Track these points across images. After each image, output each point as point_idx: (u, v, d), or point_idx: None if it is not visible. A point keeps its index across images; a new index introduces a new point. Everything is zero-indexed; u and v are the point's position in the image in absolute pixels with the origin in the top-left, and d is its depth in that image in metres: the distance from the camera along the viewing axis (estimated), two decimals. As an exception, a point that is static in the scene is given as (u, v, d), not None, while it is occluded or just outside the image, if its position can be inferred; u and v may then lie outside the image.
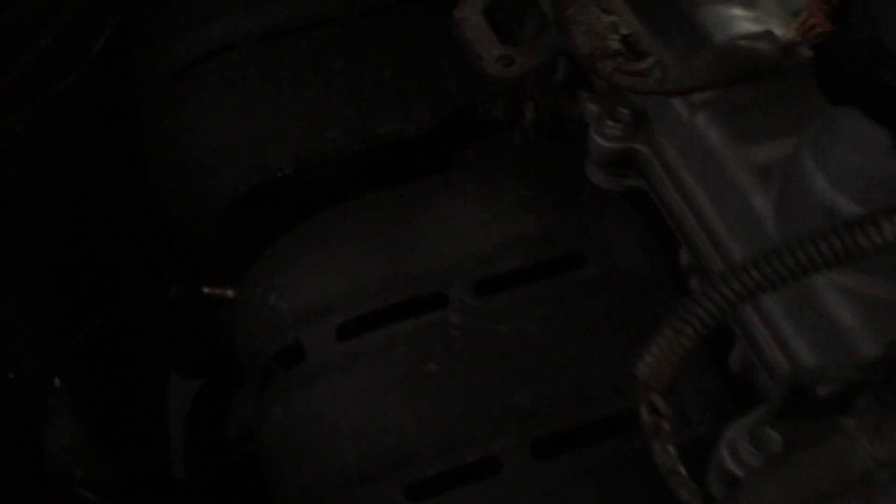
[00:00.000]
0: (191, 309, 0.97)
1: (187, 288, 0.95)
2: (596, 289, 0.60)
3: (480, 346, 0.57)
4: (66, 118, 1.00)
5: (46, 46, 0.98)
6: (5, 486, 0.76)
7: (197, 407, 1.02)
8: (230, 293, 0.94)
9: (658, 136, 0.57)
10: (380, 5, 0.86)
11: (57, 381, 0.86)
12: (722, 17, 0.50)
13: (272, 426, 0.59)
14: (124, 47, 0.96)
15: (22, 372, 0.87)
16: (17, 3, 0.94)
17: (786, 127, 0.49)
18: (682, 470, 0.37)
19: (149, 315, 0.97)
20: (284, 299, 0.62)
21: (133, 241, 0.99)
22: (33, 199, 0.95)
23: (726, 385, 0.52)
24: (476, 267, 0.60)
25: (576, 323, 0.58)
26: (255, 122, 0.79)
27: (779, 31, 0.49)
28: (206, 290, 0.94)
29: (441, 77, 0.79)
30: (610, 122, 0.58)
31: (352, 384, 0.57)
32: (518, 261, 0.60)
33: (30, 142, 0.98)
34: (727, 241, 0.52)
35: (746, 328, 0.49)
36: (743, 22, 0.50)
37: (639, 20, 0.50)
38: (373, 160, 0.81)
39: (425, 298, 0.60)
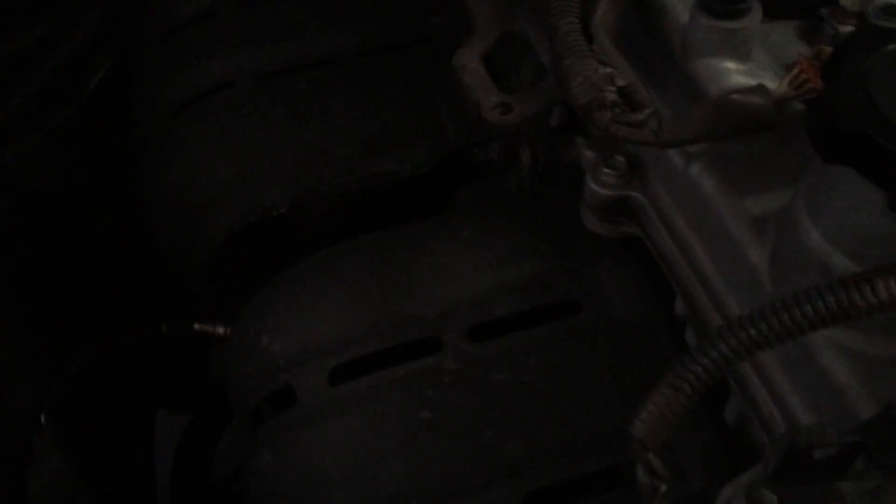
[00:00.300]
0: (181, 345, 0.96)
1: (178, 324, 0.95)
2: (590, 336, 0.59)
3: (474, 393, 0.56)
4: (62, 151, 1.00)
5: (44, 79, 0.99)
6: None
7: (184, 445, 1.01)
8: (221, 330, 0.94)
9: (653, 183, 0.57)
10: (379, 46, 0.86)
11: (43, 418, 0.85)
12: (715, 71, 0.51)
13: (260, 470, 0.59)
14: (122, 82, 0.97)
15: (8, 406, 0.86)
16: (16, 35, 0.95)
17: (780, 180, 0.49)
18: None
19: (139, 350, 0.96)
20: (277, 341, 0.61)
21: (125, 276, 0.98)
22: (26, 232, 0.95)
23: (722, 438, 0.52)
24: (471, 312, 0.60)
25: (570, 371, 0.58)
26: (252, 159, 0.79)
27: (771, 85, 0.49)
28: (197, 326, 0.94)
29: (438, 119, 0.80)
30: (606, 170, 0.58)
31: (342, 431, 0.57)
32: (513, 306, 0.60)
33: (24, 174, 0.98)
34: (722, 293, 0.52)
35: (742, 383, 0.48)
36: (736, 75, 0.51)
37: (635, 72, 0.50)
38: (369, 200, 0.81)
39: (419, 343, 0.59)
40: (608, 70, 0.49)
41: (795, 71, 0.46)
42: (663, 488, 0.35)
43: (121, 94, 0.95)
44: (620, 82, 0.49)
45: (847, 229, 0.42)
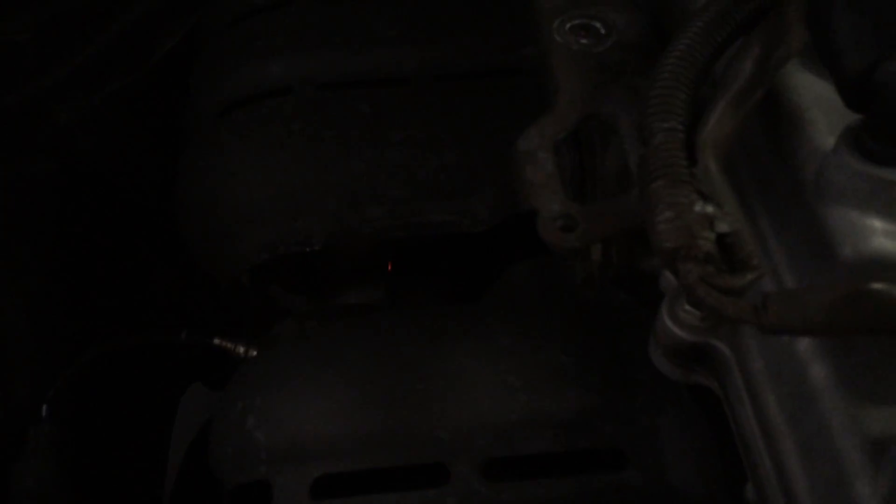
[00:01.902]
0: (198, 356, 0.90)
1: (199, 334, 0.88)
2: (632, 501, 0.48)
3: (473, 554, 0.46)
4: (117, 120, 0.94)
5: (109, 42, 0.93)
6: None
7: (196, 446, 0.95)
8: (242, 350, 0.87)
9: (746, 339, 0.45)
10: (460, 72, 0.75)
11: (44, 410, 0.80)
12: (856, 227, 0.38)
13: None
14: (188, 60, 0.90)
15: (11, 389, 0.81)
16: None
17: (919, 397, 0.37)
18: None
19: (154, 354, 0.90)
20: (262, 428, 0.52)
21: (155, 270, 0.92)
22: (69, 199, 0.89)
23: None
24: (491, 443, 0.49)
25: (598, 543, 0.47)
26: (294, 184, 0.70)
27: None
28: (216, 340, 0.87)
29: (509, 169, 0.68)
30: (688, 307, 0.46)
31: (313, 560, 0.48)
32: (543, 444, 0.49)
33: (77, 137, 0.93)
34: (808, 514, 0.40)
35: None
36: (882, 238, 0.38)
37: (744, 214, 0.38)
38: (414, 250, 0.71)
39: (422, 469, 0.49)
40: (709, 209, 0.37)
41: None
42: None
43: (185, 72, 0.88)
44: (722, 228, 0.37)
45: None
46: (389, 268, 0.75)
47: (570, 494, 0.48)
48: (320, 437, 0.51)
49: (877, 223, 0.38)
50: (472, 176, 0.69)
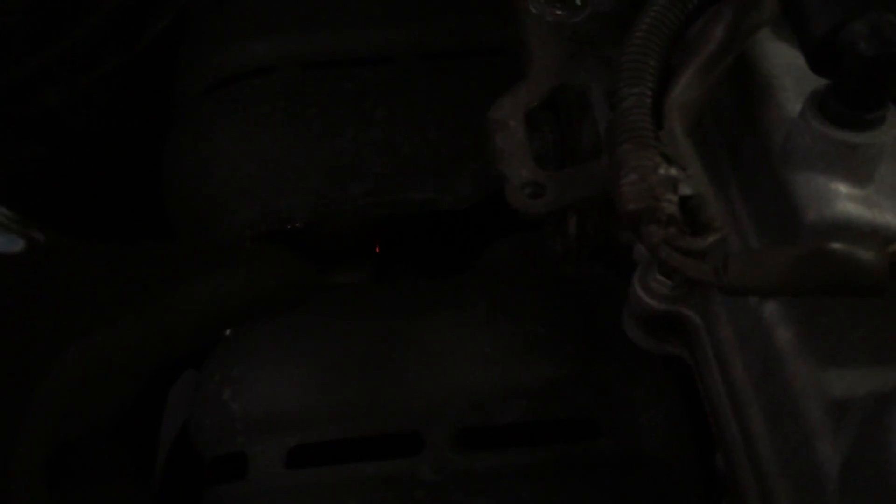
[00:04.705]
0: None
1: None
2: (605, 470, 0.48)
3: (445, 522, 0.46)
4: (107, 102, 0.94)
5: (99, 23, 0.93)
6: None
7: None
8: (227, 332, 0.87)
9: (715, 307, 0.45)
10: (444, 51, 0.75)
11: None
12: (820, 191, 0.38)
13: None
14: (177, 44, 0.90)
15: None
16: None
17: (878, 358, 0.37)
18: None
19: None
20: (238, 399, 0.52)
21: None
22: (58, 183, 0.89)
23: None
24: (465, 412, 0.50)
25: (570, 511, 0.47)
26: (277, 161, 0.70)
27: (894, 222, 0.37)
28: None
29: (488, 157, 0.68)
30: (659, 276, 0.46)
31: (287, 527, 0.48)
32: (517, 414, 0.49)
33: (66, 120, 0.93)
34: (772, 476, 0.40)
35: None
36: (846, 202, 0.38)
37: (708, 176, 0.38)
38: (396, 227, 0.72)
39: (397, 438, 0.49)
40: (672, 171, 0.37)
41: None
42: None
43: (175, 54, 0.88)
44: (685, 191, 0.37)
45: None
46: (378, 250, 0.75)
47: (544, 463, 0.48)
48: (296, 408, 0.51)
49: (841, 187, 0.38)
50: (455, 154, 0.69)
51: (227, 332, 0.68)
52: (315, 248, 0.71)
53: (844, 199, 0.38)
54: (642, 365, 0.50)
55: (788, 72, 0.42)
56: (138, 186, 0.93)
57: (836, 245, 0.34)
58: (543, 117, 0.61)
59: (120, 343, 0.31)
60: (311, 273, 0.37)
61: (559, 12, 0.50)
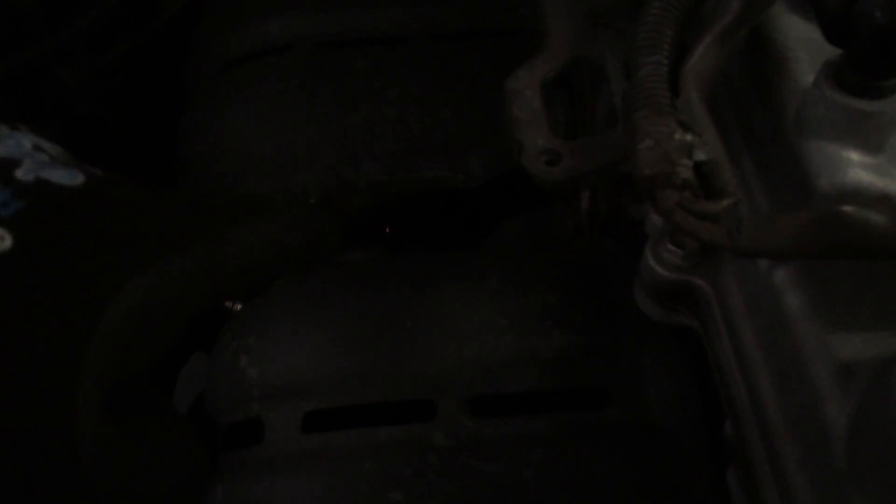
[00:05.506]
0: (200, 322, 0.90)
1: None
2: (615, 437, 0.49)
3: (458, 485, 0.47)
4: (122, 83, 0.95)
5: (113, 4, 0.93)
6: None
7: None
8: (238, 307, 0.88)
9: (726, 276, 0.46)
10: (458, 31, 0.76)
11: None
12: (832, 159, 0.39)
13: (210, 504, 0.51)
14: (192, 24, 0.90)
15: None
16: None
17: (885, 323, 0.37)
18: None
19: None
20: (255, 366, 0.53)
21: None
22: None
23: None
24: (478, 380, 0.50)
25: (580, 477, 0.48)
26: (290, 138, 0.71)
27: (905, 190, 0.37)
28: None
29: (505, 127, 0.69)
30: (671, 246, 0.47)
31: (303, 490, 0.49)
32: (528, 382, 0.50)
33: (81, 99, 0.93)
34: (781, 440, 0.41)
35: None
36: (858, 170, 0.38)
37: (724, 145, 0.39)
38: (408, 204, 0.72)
39: (410, 404, 0.50)
40: (688, 137, 0.38)
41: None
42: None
43: (190, 34, 0.89)
44: (700, 156, 0.38)
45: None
46: (388, 230, 0.76)
47: (554, 430, 0.49)
48: (312, 375, 0.52)
49: (853, 155, 0.39)
50: (467, 133, 0.70)
51: (238, 306, 0.68)
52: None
53: (856, 167, 0.39)
54: (652, 335, 0.51)
55: (803, 45, 0.43)
56: (152, 167, 0.94)
57: (849, 208, 0.34)
58: (557, 95, 0.61)
59: (175, 281, 0.32)
60: (340, 232, 0.38)
61: (576, -13, 0.51)
